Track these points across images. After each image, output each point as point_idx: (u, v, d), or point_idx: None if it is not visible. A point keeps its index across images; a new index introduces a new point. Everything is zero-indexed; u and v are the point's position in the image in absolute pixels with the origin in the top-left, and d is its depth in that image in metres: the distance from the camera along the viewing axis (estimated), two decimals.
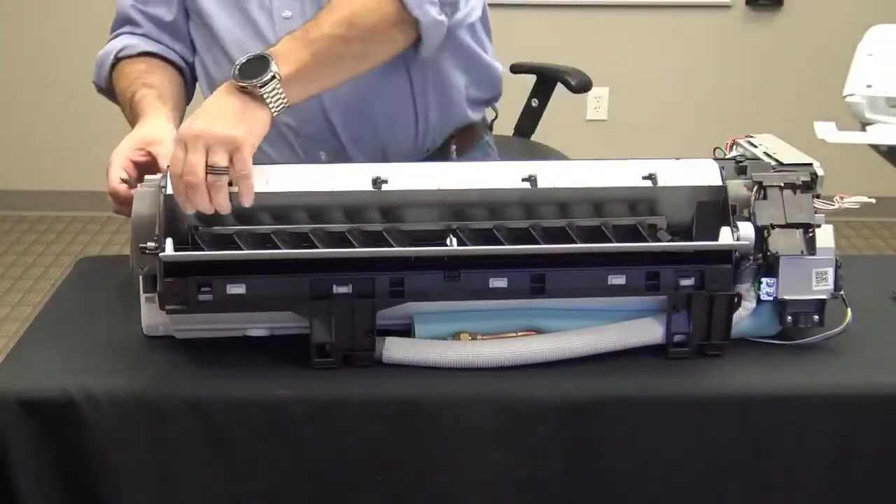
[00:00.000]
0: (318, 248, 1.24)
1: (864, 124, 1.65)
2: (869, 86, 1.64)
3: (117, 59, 1.61)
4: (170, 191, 1.23)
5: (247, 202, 1.23)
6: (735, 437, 1.25)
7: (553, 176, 1.28)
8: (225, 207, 1.22)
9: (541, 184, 1.27)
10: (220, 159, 1.21)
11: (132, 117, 1.52)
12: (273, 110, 1.27)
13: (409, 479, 1.24)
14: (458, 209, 1.27)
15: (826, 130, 1.51)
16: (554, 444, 1.24)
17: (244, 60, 1.28)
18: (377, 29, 1.39)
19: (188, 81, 1.65)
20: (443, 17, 1.44)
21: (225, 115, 1.25)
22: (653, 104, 4.05)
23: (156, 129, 1.43)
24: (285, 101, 1.28)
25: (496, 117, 1.80)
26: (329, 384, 1.24)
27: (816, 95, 3.47)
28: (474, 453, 1.24)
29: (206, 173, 1.21)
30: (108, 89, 1.63)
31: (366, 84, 1.50)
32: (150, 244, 1.21)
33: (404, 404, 1.24)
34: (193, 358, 1.29)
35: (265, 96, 1.26)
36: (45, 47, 3.91)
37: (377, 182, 1.25)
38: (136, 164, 1.40)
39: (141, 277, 1.27)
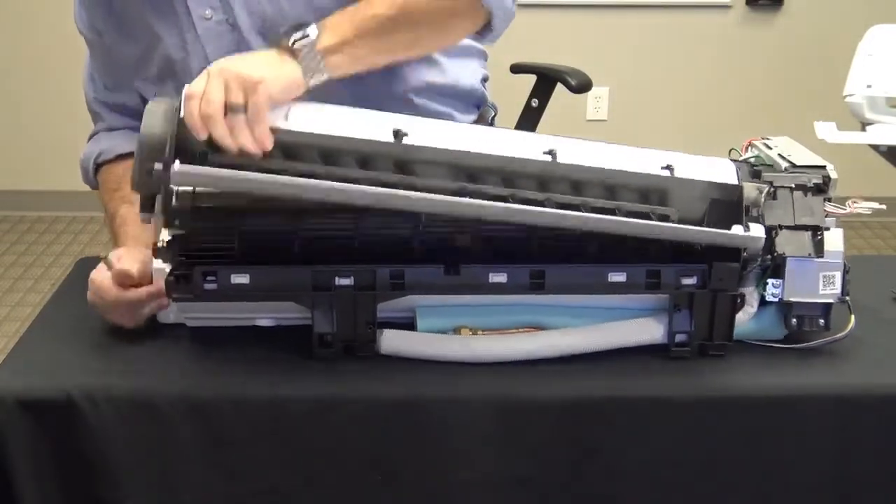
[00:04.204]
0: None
1: (864, 124, 1.65)
2: (869, 86, 1.64)
3: (98, 165, 1.59)
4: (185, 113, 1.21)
5: (253, 148, 1.20)
6: (735, 437, 1.25)
7: (573, 153, 1.27)
8: (251, 148, 1.20)
9: (560, 159, 1.26)
10: (236, 97, 1.20)
11: (114, 239, 1.48)
12: (307, 74, 1.26)
13: (409, 479, 1.24)
14: (475, 173, 1.26)
15: (826, 130, 1.51)
16: (553, 443, 1.24)
17: (287, 29, 1.27)
18: (433, 17, 1.35)
19: None
20: (513, 5, 1.40)
21: (253, 59, 1.25)
22: (653, 104, 4.05)
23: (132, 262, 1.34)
24: (322, 69, 1.27)
25: (495, 114, 1.80)
26: (329, 383, 1.24)
27: (816, 95, 3.47)
28: (474, 453, 1.24)
29: (225, 112, 1.20)
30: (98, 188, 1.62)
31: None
32: (158, 165, 1.18)
33: (404, 404, 1.24)
34: (193, 357, 1.29)
35: (298, 54, 1.25)
36: (44, 47, 3.91)
37: (398, 134, 1.24)
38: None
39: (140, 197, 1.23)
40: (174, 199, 1.22)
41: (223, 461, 1.23)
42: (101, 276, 1.32)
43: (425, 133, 1.26)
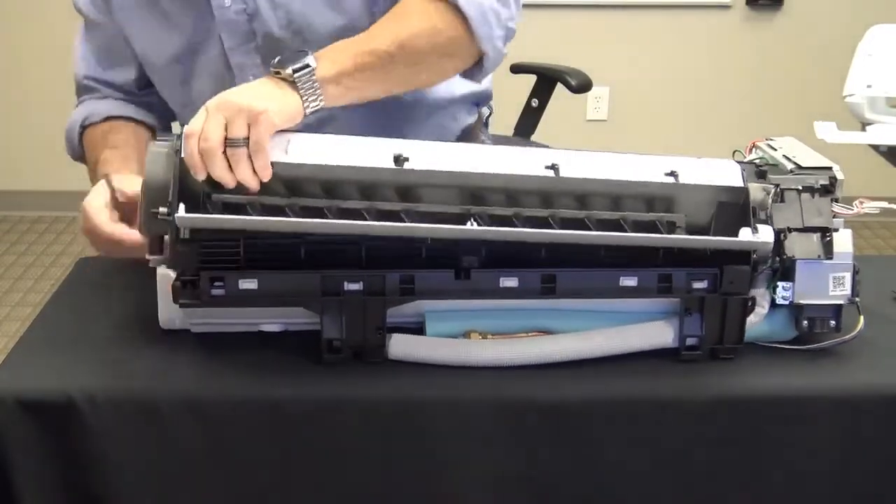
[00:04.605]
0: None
1: (864, 124, 1.65)
2: (869, 86, 1.64)
3: (83, 128, 1.60)
4: (184, 154, 1.21)
5: (252, 182, 1.21)
6: (743, 438, 1.24)
7: (576, 166, 1.27)
8: (250, 182, 1.20)
9: (563, 173, 1.26)
10: (238, 130, 1.19)
11: (95, 178, 1.48)
12: (305, 103, 1.25)
13: (409, 479, 1.24)
14: (478, 193, 1.26)
15: (826, 130, 1.51)
16: (556, 444, 1.24)
17: (285, 55, 1.27)
18: (430, 56, 1.38)
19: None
20: (505, 47, 1.42)
21: (253, 90, 1.24)
22: (653, 104, 4.06)
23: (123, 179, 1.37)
24: (321, 97, 1.27)
25: (490, 114, 1.80)
26: (330, 384, 1.24)
27: (816, 95, 3.47)
28: (477, 454, 1.24)
29: (226, 145, 1.19)
30: (83, 158, 1.62)
31: None
32: (163, 209, 1.19)
33: (404, 404, 1.23)
34: (196, 358, 1.29)
35: (298, 84, 1.25)
36: (45, 47, 3.91)
37: (399, 160, 1.24)
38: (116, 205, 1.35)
39: (148, 240, 1.25)
40: (181, 235, 1.21)
41: (223, 462, 1.22)
42: (93, 205, 1.32)
43: (425, 156, 1.26)
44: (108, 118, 1.59)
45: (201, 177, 1.20)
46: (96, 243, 1.34)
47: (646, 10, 3.98)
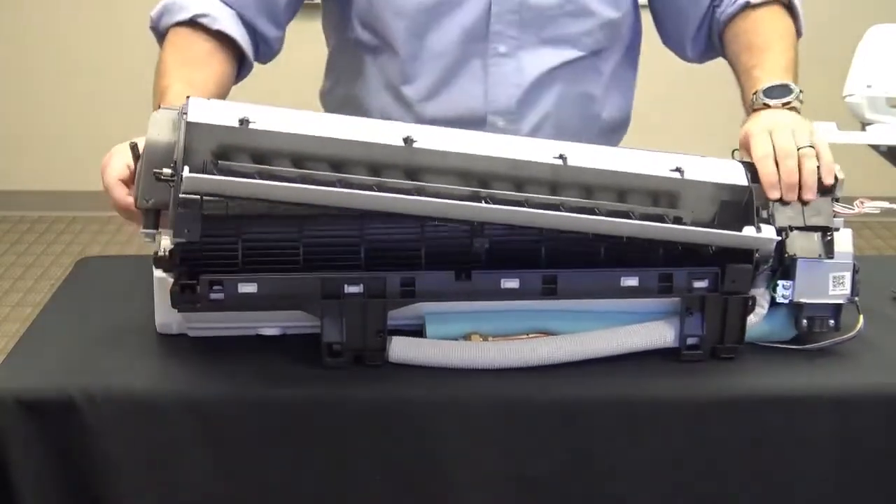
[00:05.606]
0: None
1: (864, 124, 1.65)
2: (869, 86, 1.65)
3: (190, 21, 1.48)
4: (191, 118, 1.17)
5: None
6: (743, 438, 1.25)
7: (583, 157, 1.27)
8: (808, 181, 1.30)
9: (571, 163, 1.25)
10: (804, 140, 1.34)
11: (162, 90, 1.41)
12: None
13: (409, 479, 1.24)
14: (486, 178, 1.25)
15: (826, 130, 1.51)
16: (556, 444, 1.24)
17: (768, 86, 1.50)
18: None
19: (243, 72, 1.55)
20: None
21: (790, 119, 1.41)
22: (652, 104, 4.05)
23: None
24: None
25: None
26: (330, 384, 1.24)
27: (816, 95, 3.48)
28: (475, 453, 1.24)
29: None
30: (161, 33, 1.51)
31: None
32: (166, 170, 1.16)
33: (405, 405, 1.23)
34: (195, 358, 1.29)
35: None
36: (46, 48, 3.91)
37: (408, 140, 1.22)
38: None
39: (144, 213, 1.21)
40: (181, 208, 1.18)
41: (223, 461, 1.23)
42: (115, 168, 1.27)
43: (434, 139, 1.25)
44: (220, 33, 1.48)
45: (775, 195, 1.30)
46: (111, 199, 1.29)
47: (646, 9, 3.97)
